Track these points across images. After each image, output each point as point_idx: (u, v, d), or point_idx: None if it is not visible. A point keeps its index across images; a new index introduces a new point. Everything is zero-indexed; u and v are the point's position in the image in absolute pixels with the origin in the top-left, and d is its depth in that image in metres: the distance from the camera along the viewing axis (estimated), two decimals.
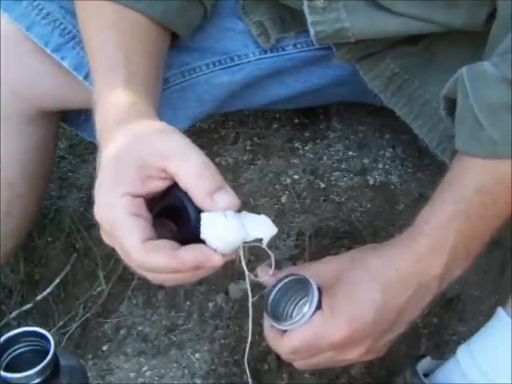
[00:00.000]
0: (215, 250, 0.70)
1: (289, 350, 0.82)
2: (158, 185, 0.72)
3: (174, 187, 0.72)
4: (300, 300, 0.84)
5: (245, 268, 0.75)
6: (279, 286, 0.83)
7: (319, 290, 0.81)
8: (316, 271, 0.84)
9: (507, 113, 0.75)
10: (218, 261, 0.70)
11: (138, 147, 0.73)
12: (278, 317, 0.83)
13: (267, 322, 0.84)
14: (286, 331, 0.82)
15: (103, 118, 0.80)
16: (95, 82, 0.84)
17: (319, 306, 0.80)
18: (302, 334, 0.80)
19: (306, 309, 0.80)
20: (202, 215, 0.70)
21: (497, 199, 0.78)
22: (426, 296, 0.82)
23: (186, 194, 0.71)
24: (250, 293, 0.78)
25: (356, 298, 0.80)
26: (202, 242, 0.71)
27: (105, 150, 0.75)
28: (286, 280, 0.83)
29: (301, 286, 0.83)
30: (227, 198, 0.70)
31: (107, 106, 0.80)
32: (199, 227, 0.70)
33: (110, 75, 0.83)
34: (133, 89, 0.81)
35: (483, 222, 0.79)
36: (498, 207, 0.79)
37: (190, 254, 0.70)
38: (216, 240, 0.70)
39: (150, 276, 0.74)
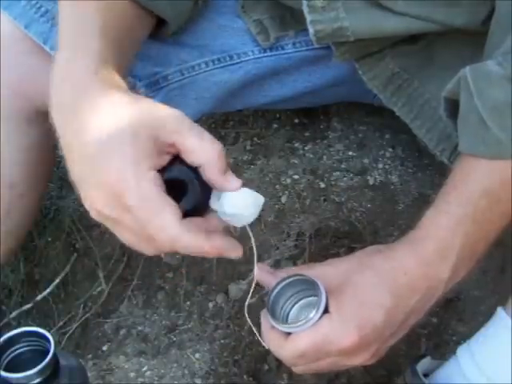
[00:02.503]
0: (246, 226, 0.76)
1: (294, 354, 0.79)
2: (165, 159, 0.73)
3: (175, 161, 0.73)
4: (298, 301, 0.82)
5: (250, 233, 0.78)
6: (282, 285, 0.80)
7: (325, 292, 0.78)
8: (321, 273, 0.81)
9: None
10: (240, 253, 0.74)
11: (151, 122, 0.72)
12: (277, 317, 0.80)
13: (267, 322, 0.80)
14: (289, 334, 0.78)
15: (70, 85, 0.79)
16: (60, 48, 0.82)
17: (326, 310, 0.78)
18: (310, 337, 0.77)
19: (313, 312, 0.77)
20: (231, 194, 0.74)
21: (501, 199, 0.78)
22: (432, 299, 0.81)
23: (191, 167, 0.73)
24: (255, 257, 0.80)
25: (365, 303, 0.78)
26: (203, 214, 0.75)
27: (95, 123, 0.73)
28: (290, 279, 0.81)
29: (305, 286, 0.80)
30: (235, 178, 0.74)
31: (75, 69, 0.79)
32: (205, 200, 0.74)
33: (78, 43, 0.80)
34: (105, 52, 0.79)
35: (489, 223, 0.79)
36: (502, 207, 0.79)
37: (222, 241, 0.72)
38: (249, 215, 0.75)
39: (167, 249, 0.73)
